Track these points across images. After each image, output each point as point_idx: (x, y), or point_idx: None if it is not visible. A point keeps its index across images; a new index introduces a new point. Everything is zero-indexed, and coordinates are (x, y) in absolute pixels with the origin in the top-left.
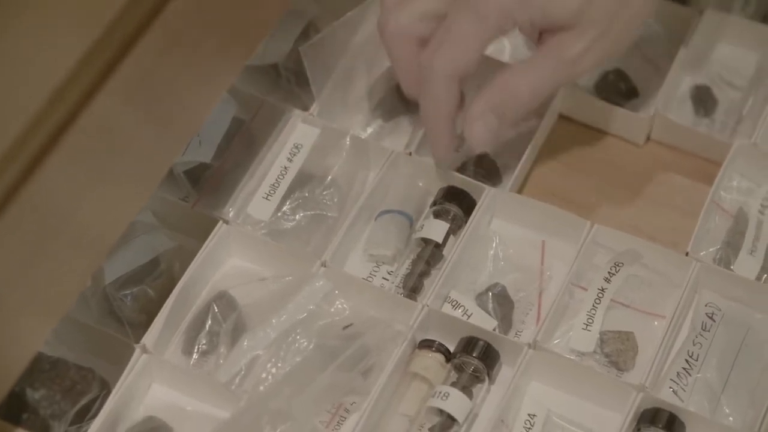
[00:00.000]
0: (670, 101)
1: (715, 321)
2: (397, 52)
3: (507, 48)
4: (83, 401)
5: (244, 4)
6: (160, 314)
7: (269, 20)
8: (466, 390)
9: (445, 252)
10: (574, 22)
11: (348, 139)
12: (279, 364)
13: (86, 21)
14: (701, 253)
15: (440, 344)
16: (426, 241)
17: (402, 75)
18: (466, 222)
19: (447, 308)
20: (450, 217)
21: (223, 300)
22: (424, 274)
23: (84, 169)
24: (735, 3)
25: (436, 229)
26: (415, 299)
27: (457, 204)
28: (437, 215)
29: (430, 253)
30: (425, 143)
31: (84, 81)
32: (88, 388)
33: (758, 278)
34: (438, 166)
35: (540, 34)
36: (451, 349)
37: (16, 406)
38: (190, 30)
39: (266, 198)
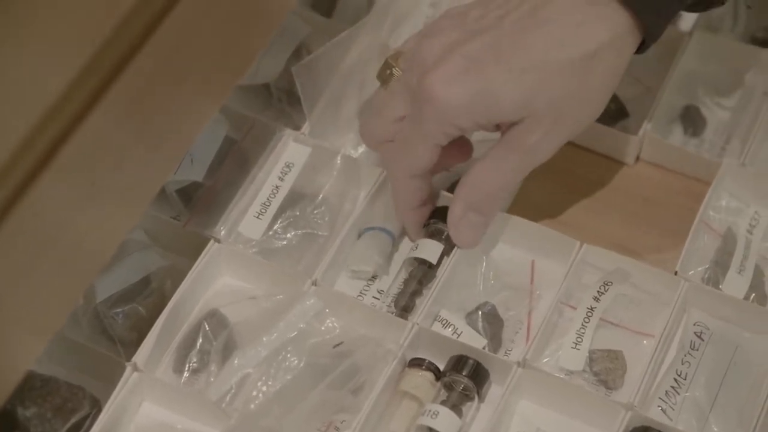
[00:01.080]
0: (659, 121)
1: (703, 340)
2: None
3: None
4: (74, 419)
5: (234, 25)
6: (151, 332)
7: (260, 41)
8: (456, 408)
9: (437, 271)
10: (522, 116)
11: (339, 159)
12: (269, 383)
13: (79, 42)
14: (690, 273)
15: (430, 363)
16: (420, 261)
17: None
18: None
19: (437, 327)
20: (443, 237)
21: (214, 318)
22: (416, 293)
23: (76, 188)
24: (724, 24)
25: (430, 250)
26: (406, 318)
27: None
28: (431, 235)
29: (423, 273)
30: None
31: (76, 101)
32: (79, 406)
33: (746, 297)
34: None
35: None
36: (441, 367)
37: (7, 424)
38: (182, 51)
39: (257, 217)
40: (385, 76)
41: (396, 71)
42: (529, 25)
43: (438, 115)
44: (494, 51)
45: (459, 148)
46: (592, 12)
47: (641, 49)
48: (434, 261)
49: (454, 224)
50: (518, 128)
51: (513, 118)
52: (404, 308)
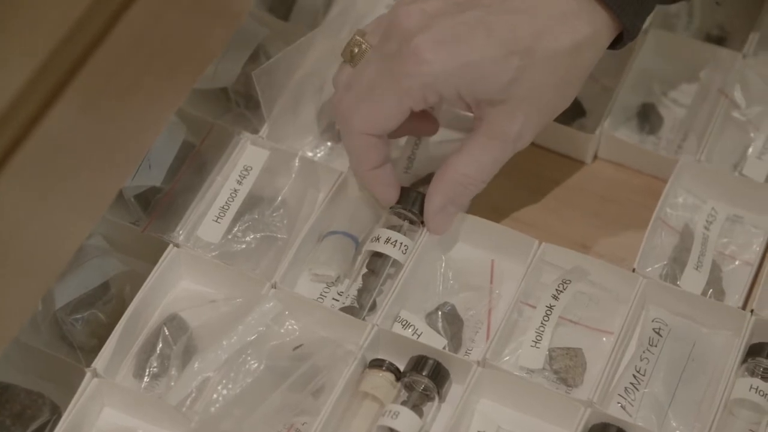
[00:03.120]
0: (616, 119)
1: (662, 336)
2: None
3: None
4: (33, 426)
5: (189, 29)
6: (110, 338)
7: (216, 44)
8: (417, 408)
9: (394, 271)
10: (503, 98)
11: (297, 161)
12: (230, 386)
13: (33, 45)
14: (648, 269)
15: (390, 363)
16: (377, 255)
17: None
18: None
19: (397, 328)
20: (405, 228)
21: (174, 322)
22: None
23: (30, 193)
24: (679, 22)
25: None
26: (362, 317)
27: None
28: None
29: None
30: None
31: (30, 105)
32: (39, 412)
33: (704, 293)
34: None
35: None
36: (402, 368)
37: None
38: (137, 55)
39: (216, 221)
40: (352, 53)
41: (365, 46)
42: (515, 9)
43: (423, 77)
44: (484, 26)
45: (425, 120)
46: (574, 5)
47: (617, 45)
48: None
49: (431, 217)
50: (498, 115)
51: (495, 96)
52: (370, 307)
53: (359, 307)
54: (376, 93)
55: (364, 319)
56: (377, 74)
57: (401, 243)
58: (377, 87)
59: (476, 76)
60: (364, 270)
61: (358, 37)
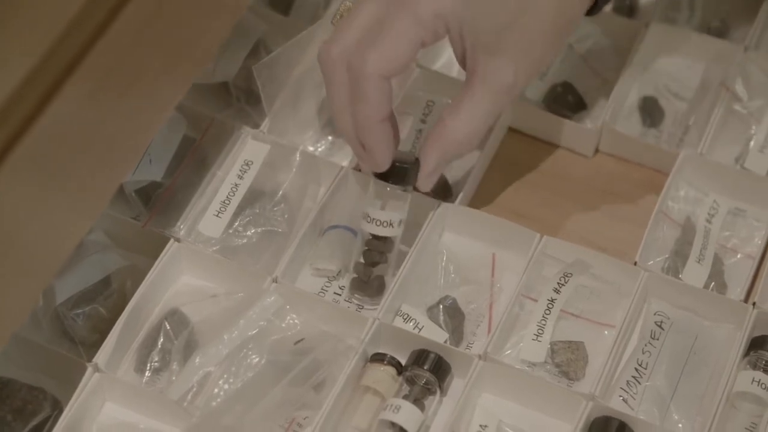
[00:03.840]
0: (617, 113)
1: (663, 329)
2: (339, 77)
3: None
4: (35, 421)
5: (189, 23)
6: (112, 333)
7: (215, 39)
8: (418, 402)
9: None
10: (498, 44)
11: (298, 155)
12: (231, 380)
13: (31, 41)
14: (650, 263)
15: (392, 357)
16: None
17: (337, 105)
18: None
19: (398, 321)
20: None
21: (175, 317)
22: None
23: (30, 188)
24: (680, 15)
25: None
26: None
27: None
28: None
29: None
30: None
31: (29, 101)
32: (40, 408)
33: (706, 286)
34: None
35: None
36: (403, 362)
37: None
38: (136, 49)
39: (217, 215)
40: (343, 18)
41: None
42: None
43: (436, 5)
44: None
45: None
46: None
47: (593, 11)
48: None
49: (425, 176)
50: (492, 63)
51: (492, 37)
52: (377, 288)
53: (366, 282)
54: (388, 28)
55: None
56: (386, 10)
57: (397, 221)
58: (388, 22)
59: (481, 10)
60: (365, 247)
61: (348, 2)
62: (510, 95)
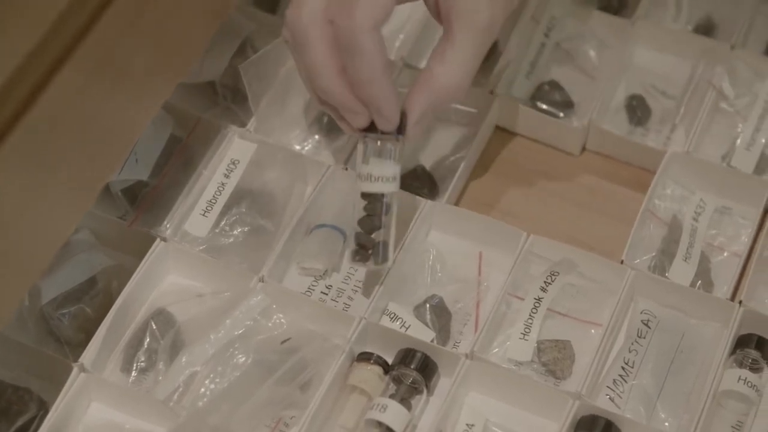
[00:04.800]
0: (604, 111)
1: (650, 328)
2: (315, 38)
3: None
4: (20, 422)
5: (175, 23)
6: (98, 332)
7: (201, 38)
8: (405, 402)
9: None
10: None
11: (285, 154)
12: (217, 380)
13: (16, 40)
14: (636, 261)
15: (378, 357)
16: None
17: (322, 67)
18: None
19: (385, 320)
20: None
21: (161, 317)
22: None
23: (15, 186)
24: (667, 13)
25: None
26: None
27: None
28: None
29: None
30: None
31: (14, 99)
32: (25, 408)
33: (692, 285)
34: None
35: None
36: (390, 361)
37: None
38: (122, 48)
39: (204, 214)
40: None
41: None
42: None
43: None
44: None
45: None
46: None
47: None
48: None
49: (414, 125)
50: (467, 5)
51: None
52: (383, 255)
53: (372, 252)
54: None
55: (380, 263)
56: None
57: (391, 175)
58: None
59: None
60: (362, 213)
61: None
62: (490, 33)
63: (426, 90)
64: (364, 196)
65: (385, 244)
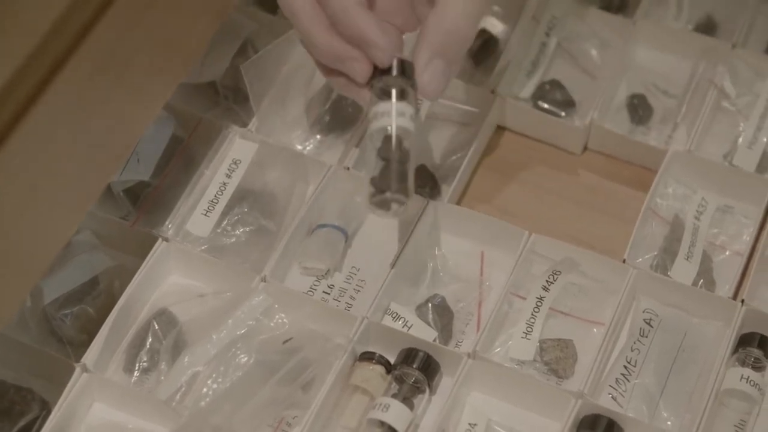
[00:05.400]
0: (606, 110)
1: (652, 327)
2: (299, 5)
3: None
4: (22, 422)
5: (176, 23)
6: (100, 333)
7: (202, 38)
8: (407, 401)
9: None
10: None
11: (286, 154)
12: (219, 380)
13: (17, 39)
14: (638, 260)
15: (380, 356)
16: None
17: (310, 26)
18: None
19: (387, 320)
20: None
21: (164, 317)
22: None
23: (18, 187)
24: (668, 13)
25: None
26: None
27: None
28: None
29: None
30: (363, 159)
31: (16, 100)
32: (28, 408)
33: (695, 284)
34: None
35: None
36: (392, 360)
37: None
38: (122, 48)
39: (205, 214)
40: None
41: None
42: None
43: None
44: None
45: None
46: None
47: None
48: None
49: (419, 73)
50: None
51: None
52: (402, 190)
53: (394, 189)
54: None
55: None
56: None
57: (404, 112)
58: None
59: None
60: (380, 164)
61: None
62: None
63: (430, 29)
64: (376, 139)
65: (403, 175)
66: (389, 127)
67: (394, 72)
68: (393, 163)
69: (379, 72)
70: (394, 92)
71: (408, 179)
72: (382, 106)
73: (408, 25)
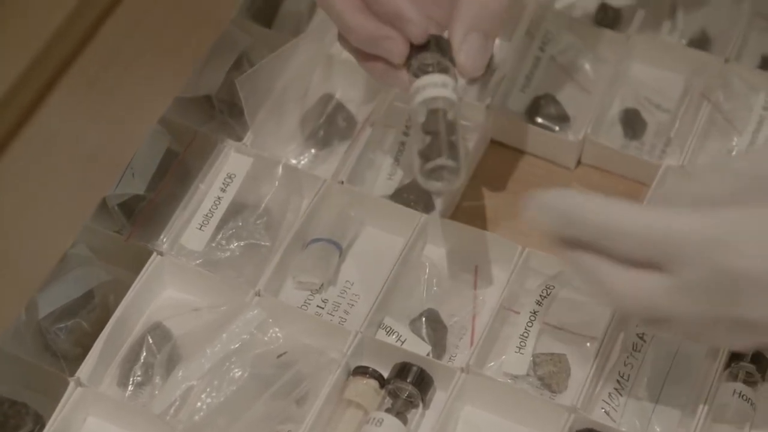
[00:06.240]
0: (599, 125)
1: (645, 341)
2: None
3: None
4: None
5: (171, 36)
6: (94, 347)
7: (197, 51)
8: (401, 416)
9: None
10: None
11: (281, 168)
12: (213, 394)
13: (12, 55)
14: None
15: (374, 370)
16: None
17: (343, 11)
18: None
19: (381, 334)
20: (436, 68)
21: (158, 331)
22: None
23: (12, 200)
24: (661, 27)
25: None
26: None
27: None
28: (421, 71)
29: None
30: (359, 171)
31: (12, 112)
32: (22, 422)
33: None
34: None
35: None
36: (386, 375)
37: None
38: (117, 62)
39: (200, 228)
40: None
41: None
42: None
43: None
44: None
45: None
46: None
47: None
48: (453, 95)
49: (456, 49)
50: None
51: None
52: (453, 156)
53: (451, 163)
54: None
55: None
56: None
57: (443, 83)
58: None
59: None
60: (426, 139)
61: None
62: None
63: (464, 4)
64: (420, 114)
65: (453, 144)
66: (433, 98)
67: (431, 48)
68: (441, 133)
69: (416, 50)
70: (432, 64)
71: (458, 149)
72: (422, 80)
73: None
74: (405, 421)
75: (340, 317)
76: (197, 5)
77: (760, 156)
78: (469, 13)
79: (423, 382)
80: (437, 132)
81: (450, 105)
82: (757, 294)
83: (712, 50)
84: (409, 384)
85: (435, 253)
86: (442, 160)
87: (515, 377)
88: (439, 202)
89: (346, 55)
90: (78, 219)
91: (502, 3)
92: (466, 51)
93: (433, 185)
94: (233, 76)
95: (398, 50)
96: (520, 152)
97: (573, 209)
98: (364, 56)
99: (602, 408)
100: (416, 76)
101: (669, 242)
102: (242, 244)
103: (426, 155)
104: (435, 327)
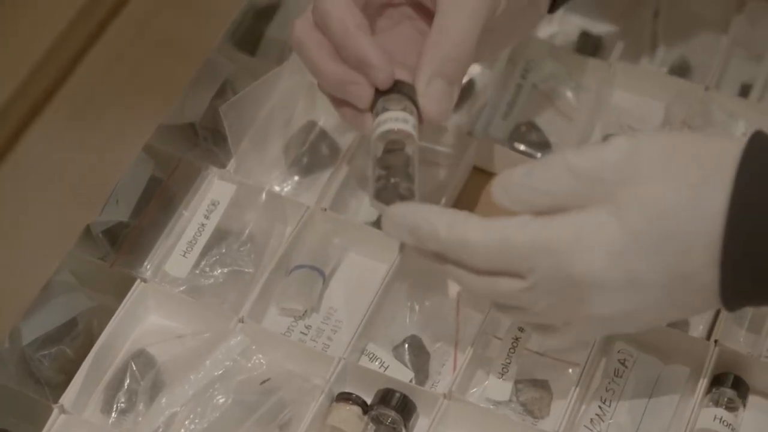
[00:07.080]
0: None
1: (627, 367)
2: (304, 41)
3: None
4: None
5: (155, 64)
6: (78, 373)
7: (182, 79)
8: None
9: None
10: None
11: (264, 195)
12: (197, 421)
13: None
14: None
15: (357, 397)
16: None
17: (316, 57)
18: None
19: (364, 361)
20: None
21: (141, 358)
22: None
23: None
24: (643, 55)
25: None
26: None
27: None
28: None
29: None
30: (342, 198)
31: None
32: None
33: (669, 324)
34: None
35: None
36: (369, 401)
37: None
38: (102, 89)
39: (184, 255)
40: None
41: None
42: None
43: None
44: None
45: None
46: None
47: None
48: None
49: (421, 95)
50: None
51: None
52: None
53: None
54: None
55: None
56: None
57: (404, 119)
58: None
59: None
60: (380, 172)
61: None
62: None
63: (429, 49)
64: (378, 149)
65: (409, 174)
66: (392, 129)
67: (395, 92)
68: (398, 164)
69: (381, 95)
70: (394, 100)
71: (414, 180)
72: (383, 116)
73: None
74: None
75: (323, 344)
76: (181, 34)
77: (596, 155)
78: (434, 59)
79: (406, 408)
80: (394, 165)
81: (410, 141)
82: (602, 293)
83: (692, 78)
84: (392, 410)
85: (417, 278)
86: (395, 180)
87: (498, 403)
88: None
89: None
90: (62, 246)
91: (467, 50)
92: (429, 96)
93: (381, 209)
94: (217, 104)
95: (364, 95)
96: None
97: (421, 225)
98: (336, 101)
99: None
100: (375, 112)
101: (511, 253)
102: (226, 270)
103: (382, 177)
104: (418, 353)
